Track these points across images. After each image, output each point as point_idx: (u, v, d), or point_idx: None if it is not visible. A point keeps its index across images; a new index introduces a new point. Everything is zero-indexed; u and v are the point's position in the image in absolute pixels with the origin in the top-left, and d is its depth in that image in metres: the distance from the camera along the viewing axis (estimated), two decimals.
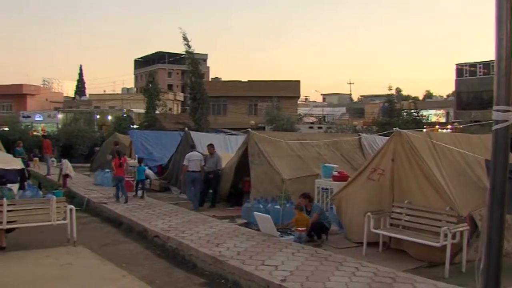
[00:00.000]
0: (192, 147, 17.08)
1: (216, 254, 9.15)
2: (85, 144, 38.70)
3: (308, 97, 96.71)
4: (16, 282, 8.42)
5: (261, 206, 12.64)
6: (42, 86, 79.73)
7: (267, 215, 11.36)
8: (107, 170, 20.79)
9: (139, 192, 17.29)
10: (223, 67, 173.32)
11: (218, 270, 8.78)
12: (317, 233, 10.73)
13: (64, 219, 10.88)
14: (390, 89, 44.64)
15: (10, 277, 8.68)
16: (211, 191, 15.91)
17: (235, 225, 12.38)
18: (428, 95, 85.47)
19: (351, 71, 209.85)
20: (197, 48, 41.92)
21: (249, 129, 16.54)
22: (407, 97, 70.35)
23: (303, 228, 10.56)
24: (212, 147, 16.15)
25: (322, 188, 12.86)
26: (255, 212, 11.78)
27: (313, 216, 10.74)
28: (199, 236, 10.77)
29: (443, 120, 56.05)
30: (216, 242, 10.12)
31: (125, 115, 49.16)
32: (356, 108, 78.82)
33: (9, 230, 10.63)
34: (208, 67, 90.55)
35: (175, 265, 9.63)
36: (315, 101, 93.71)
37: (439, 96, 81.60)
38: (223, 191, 15.99)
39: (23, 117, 56.93)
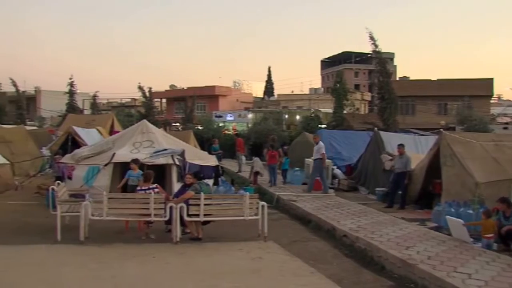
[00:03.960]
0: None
1: (406, 257, 8.99)
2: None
3: (501, 96, 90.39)
4: (212, 271, 8.95)
5: (453, 210, 12.15)
6: (232, 87, 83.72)
7: (459, 219, 10.94)
8: (297, 168, 21.36)
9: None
10: (411, 66, 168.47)
11: (407, 274, 8.63)
12: None
13: (256, 214, 11.32)
14: None
15: (207, 266, 9.29)
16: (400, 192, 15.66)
17: (425, 228, 12.03)
18: None
19: None
20: (384, 47, 41.26)
21: (441, 130, 16.01)
22: None
23: (490, 235, 10.02)
24: (402, 147, 15.95)
25: None
26: (447, 216, 11.38)
27: None
28: (388, 237, 10.66)
29: None
30: (405, 245, 9.94)
31: (313, 115, 49.88)
32: None
33: (205, 223, 11.32)
34: (395, 66, 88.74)
35: (363, 266, 9.63)
36: (509, 100, 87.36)
37: None
38: (412, 192, 15.62)
39: (216, 116, 60.32)
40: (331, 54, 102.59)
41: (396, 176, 15.67)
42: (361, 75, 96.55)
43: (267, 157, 21.34)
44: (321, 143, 18.48)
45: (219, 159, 21.67)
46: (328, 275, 8.82)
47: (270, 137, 23.70)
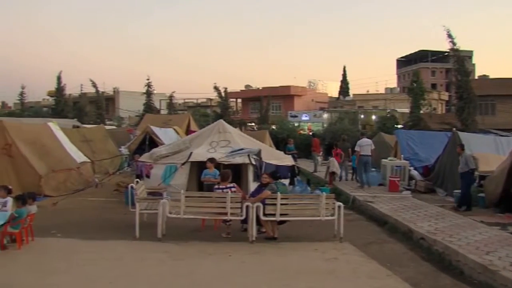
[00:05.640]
0: (363, 135, 20.97)
1: (486, 263, 8.70)
2: (349, 143, 39.37)
3: None
4: (287, 271, 9.00)
5: None
6: (307, 87, 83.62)
7: None
8: (373, 169, 21.09)
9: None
10: (491, 64, 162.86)
11: (487, 280, 8.34)
12: None
13: (332, 215, 11.25)
14: None
15: (282, 266, 9.35)
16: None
17: (507, 233, 11.56)
18: None
19: None
20: (462, 45, 40.08)
21: None
22: None
23: None
24: (460, 147, 15.65)
25: None
26: None
27: None
28: (468, 241, 10.35)
29: None
30: (486, 250, 9.62)
31: (389, 115, 49.11)
32: None
33: (280, 222, 11.36)
34: (474, 64, 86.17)
35: (440, 270, 9.40)
36: None
37: None
38: (492, 195, 15.08)
39: (291, 116, 60.62)
40: (407, 53, 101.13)
41: (460, 177, 15.31)
42: (438, 74, 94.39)
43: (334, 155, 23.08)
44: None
45: (293, 159, 21.74)
46: (405, 278, 8.68)
47: (341, 136, 24.93)
